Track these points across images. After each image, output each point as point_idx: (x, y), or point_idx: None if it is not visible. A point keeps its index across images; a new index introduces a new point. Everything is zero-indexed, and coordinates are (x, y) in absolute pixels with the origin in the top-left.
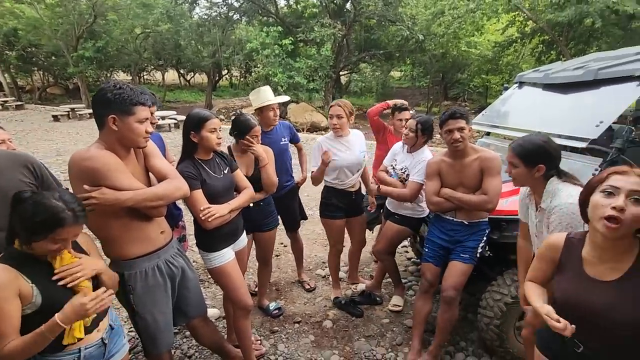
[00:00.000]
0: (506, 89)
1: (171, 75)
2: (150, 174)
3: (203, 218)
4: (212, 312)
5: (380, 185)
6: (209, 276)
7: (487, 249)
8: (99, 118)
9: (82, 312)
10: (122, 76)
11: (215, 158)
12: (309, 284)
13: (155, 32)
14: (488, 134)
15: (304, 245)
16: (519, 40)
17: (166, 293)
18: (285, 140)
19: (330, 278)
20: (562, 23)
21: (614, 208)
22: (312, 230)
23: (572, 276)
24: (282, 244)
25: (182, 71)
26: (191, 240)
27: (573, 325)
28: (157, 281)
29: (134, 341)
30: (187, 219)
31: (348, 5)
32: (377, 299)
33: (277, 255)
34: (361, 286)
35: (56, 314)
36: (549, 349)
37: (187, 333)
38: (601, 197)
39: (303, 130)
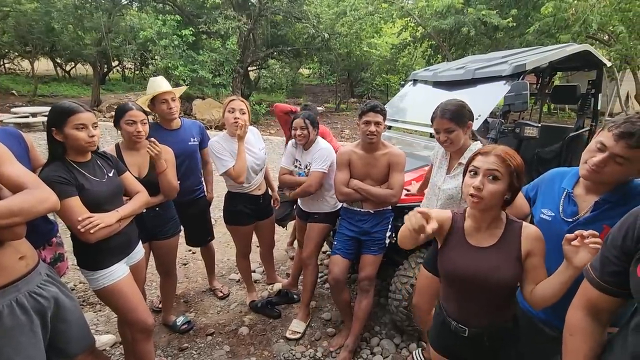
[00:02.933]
0: (403, 85)
1: (44, 65)
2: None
3: (83, 230)
4: (107, 339)
5: (289, 191)
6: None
7: (393, 235)
8: None
9: None
10: None
11: (95, 160)
12: (221, 291)
13: (17, 11)
14: (389, 127)
15: (215, 250)
16: (411, 44)
17: (33, 333)
18: (194, 141)
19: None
20: (445, 30)
21: (474, 187)
22: (224, 232)
23: (457, 247)
24: (190, 250)
25: (58, 60)
26: (72, 259)
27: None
28: (17, 321)
29: None
30: (65, 230)
31: None
32: (295, 296)
33: (184, 264)
34: (277, 286)
35: None
36: (441, 343)
37: None
38: (468, 177)
39: (211, 128)
